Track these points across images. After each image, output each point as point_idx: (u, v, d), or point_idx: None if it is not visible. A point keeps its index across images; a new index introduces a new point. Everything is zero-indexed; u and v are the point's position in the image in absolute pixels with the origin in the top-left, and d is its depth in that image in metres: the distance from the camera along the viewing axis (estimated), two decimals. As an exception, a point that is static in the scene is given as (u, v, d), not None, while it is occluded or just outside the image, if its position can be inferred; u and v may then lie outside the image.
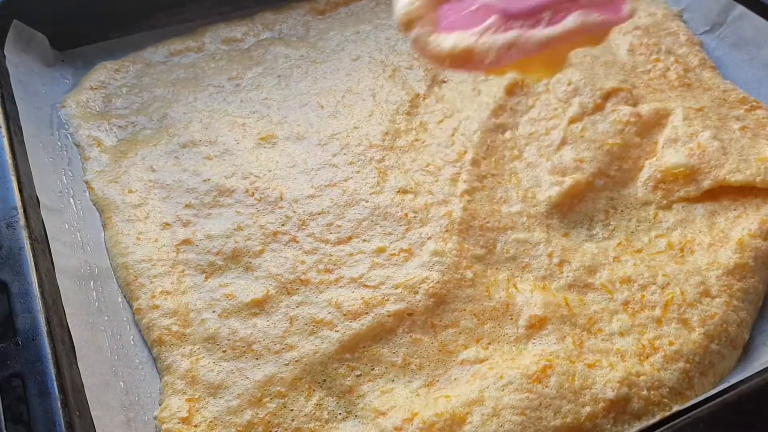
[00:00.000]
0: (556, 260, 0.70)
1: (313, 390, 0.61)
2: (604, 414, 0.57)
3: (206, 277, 0.69)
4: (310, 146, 0.82)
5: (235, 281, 0.68)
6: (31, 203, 0.69)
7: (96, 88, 0.90)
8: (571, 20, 0.55)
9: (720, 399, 0.56)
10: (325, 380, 0.61)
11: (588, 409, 0.57)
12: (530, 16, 0.56)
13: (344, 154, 0.81)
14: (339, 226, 0.73)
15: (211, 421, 0.58)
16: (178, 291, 0.68)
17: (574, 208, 0.75)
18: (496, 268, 0.70)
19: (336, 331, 0.64)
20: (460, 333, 0.65)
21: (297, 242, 0.71)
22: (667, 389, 0.59)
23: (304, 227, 0.73)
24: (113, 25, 0.97)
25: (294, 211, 0.74)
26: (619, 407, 0.58)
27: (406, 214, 0.74)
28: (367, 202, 0.75)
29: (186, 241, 0.71)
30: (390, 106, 0.87)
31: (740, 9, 0.95)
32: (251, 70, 0.94)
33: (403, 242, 0.71)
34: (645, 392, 0.59)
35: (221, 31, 1.00)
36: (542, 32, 0.55)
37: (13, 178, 0.69)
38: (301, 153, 0.81)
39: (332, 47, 0.98)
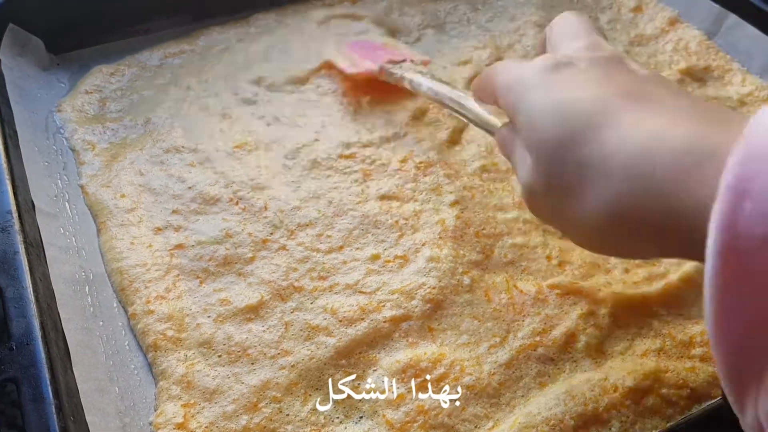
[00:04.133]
0: (555, 261, 0.71)
1: (309, 395, 0.61)
2: (621, 402, 0.58)
3: (201, 282, 0.68)
4: (279, 157, 0.81)
5: (230, 286, 0.68)
6: (26, 207, 0.68)
7: (91, 92, 0.90)
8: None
9: (716, 403, 0.56)
10: (321, 385, 0.61)
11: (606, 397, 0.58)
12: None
13: (318, 164, 0.80)
14: (329, 236, 0.72)
15: (206, 427, 0.58)
16: (173, 296, 0.67)
17: (572, 214, 0.75)
18: (494, 272, 0.70)
19: (332, 337, 0.64)
20: (460, 335, 0.65)
21: (287, 250, 0.71)
22: (689, 390, 0.59)
23: (293, 237, 0.72)
24: (109, 29, 0.97)
25: (281, 221, 0.73)
26: (636, 398, 0.58)
27: (397, 222, 0.74)
28: (354, 211, 0.75)
29: (179, 246, 0.71)
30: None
31: (733, 18, 0.96)
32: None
33: (398, 249, 0.71)
34: (665, 390, 0.59)
35: (215, 35, 1.00)
36: None
37: (8, 182, 0.69)
38: (278, 163, 0.81)
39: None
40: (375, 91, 0.88)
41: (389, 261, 0.70)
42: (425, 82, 0.78)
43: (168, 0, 0.98)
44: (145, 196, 0.76)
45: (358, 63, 0.89)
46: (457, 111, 0.70)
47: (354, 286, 0.68)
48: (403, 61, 0.87)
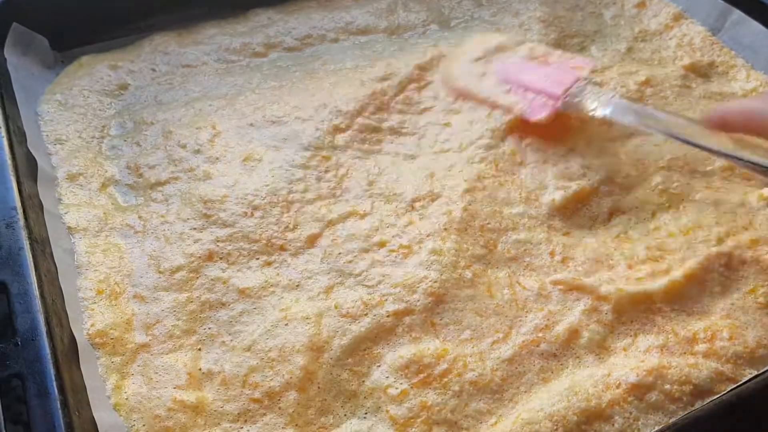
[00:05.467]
0: (558, 258, 0.70)
1: (317, 394, 0.61)
2: (623, 398, 0.58)
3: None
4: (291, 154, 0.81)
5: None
6: (30, 204, 0.69)
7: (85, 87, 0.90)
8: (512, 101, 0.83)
9: (719, 399, 0.56)
10: (330, 387, 0.61)
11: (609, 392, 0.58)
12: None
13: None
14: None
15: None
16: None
17: (578, 212, 0.75)
18: (497, 268, 0.70)
19: (337, 337, 0.64)
20: (463, 330, 0.65)
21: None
22: (691, 386, 0.59)
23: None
24: (112, 26, 0.97)
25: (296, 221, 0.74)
26: (639, 394, 0.58)
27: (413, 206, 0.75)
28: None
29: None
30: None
31: (738, 14, 0.96)
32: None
33: (403, 238, 0.71)
34: (668, 386, 0.59)
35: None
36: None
37: (13, 179, 0.69)
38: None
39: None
40: (537, 129, 0.82)
41: (393, 251, 0.70)
42: (628, 115, 0.75)
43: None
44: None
45: (520, 95, 0.83)
46: (687, 142, 0.68)
47: (357, 276, 0.68)
48: (576, 80, 0.82)
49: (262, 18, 1.02)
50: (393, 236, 0.72)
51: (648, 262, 0.69)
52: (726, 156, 0.65)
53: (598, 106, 0.78)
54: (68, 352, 0.59)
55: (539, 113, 0.80)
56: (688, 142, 0.68)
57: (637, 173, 0.78)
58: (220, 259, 0.70)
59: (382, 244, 0.71)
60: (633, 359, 0.61)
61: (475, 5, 1.06)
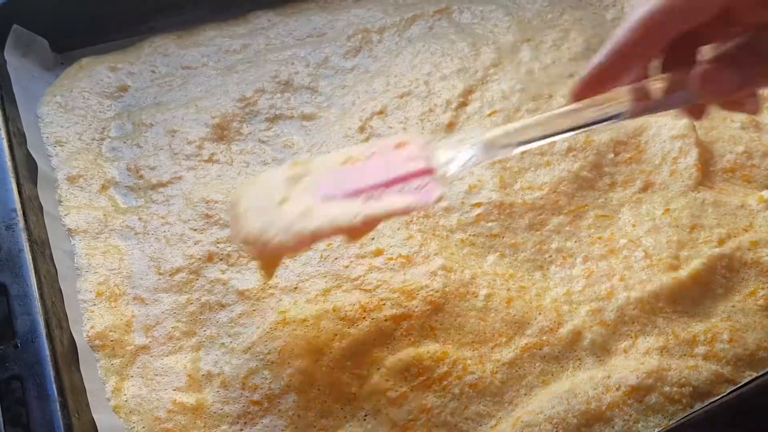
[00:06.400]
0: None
1: (316, 397, 0.61)
2: (623, 400, 0.58)
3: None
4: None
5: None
6: (30, 205, 0.69)
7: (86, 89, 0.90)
8: (386, 204, 0.57)
9: (720, 400, 0.56)
10: (330, 390, 0.61)
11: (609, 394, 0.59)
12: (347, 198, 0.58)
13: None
14: None
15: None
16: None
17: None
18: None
19: (336, 340, 0.64)
20: (465, 334, 0.64)
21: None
22: (691, 388, 0.59)
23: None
24: (113, 28, 0.97)
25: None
26: (639, 396, 0.58)
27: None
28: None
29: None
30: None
31: (738, 15, 0.96)
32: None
33: (404, 249, 0.71)
34: (667, 388, 0.59)
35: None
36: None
37: (12, 180, 0.69)
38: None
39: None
40: None
41: (391, 259, 0.70)
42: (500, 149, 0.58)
43: (171, -1, 0.99)
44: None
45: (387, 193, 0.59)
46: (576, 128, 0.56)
47: (355, 280, 0.68)
48: (423, 172, 0.59)
49: (262, 20, 1.02)
50: (391, 246, 0.71)
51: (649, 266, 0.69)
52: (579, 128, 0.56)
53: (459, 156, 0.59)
54: (68, 354, 0.59)
55: (432, 194, 0.58)
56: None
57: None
58: (220, 260, 0.70)
59: (378, 253, 0.70)
60: (633, 361, 0.61)
61: None
